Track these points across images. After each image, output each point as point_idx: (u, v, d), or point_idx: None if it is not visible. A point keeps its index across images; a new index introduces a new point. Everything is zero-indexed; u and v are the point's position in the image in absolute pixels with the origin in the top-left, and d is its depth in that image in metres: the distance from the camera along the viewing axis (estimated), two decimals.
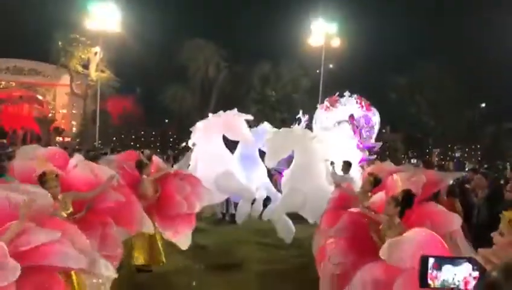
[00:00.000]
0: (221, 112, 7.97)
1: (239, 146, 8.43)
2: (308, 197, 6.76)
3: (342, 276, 3.83)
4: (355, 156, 8.23)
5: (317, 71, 26.51)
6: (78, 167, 4.38)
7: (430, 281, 2.17)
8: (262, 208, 8.36)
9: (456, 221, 3.78)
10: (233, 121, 7.74)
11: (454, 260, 2.21)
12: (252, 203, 8.19)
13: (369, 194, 4.90)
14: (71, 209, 4.01)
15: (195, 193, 5.82)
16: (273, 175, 13.14)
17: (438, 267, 2.20)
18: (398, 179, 4.00)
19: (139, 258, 5.55)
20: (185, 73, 29.46)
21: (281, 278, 5.98)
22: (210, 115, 8.23)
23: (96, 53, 23.47)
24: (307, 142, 7.25)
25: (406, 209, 3.75)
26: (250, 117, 8.08)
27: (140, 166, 5.68)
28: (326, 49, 24.13)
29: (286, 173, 7.77)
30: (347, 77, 22.58)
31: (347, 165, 6.98)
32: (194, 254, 6.51)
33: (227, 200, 9.84)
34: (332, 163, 6.82)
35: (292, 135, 7.45)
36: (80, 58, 23.84)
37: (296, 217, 7.64)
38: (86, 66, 24.16)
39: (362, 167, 8.15)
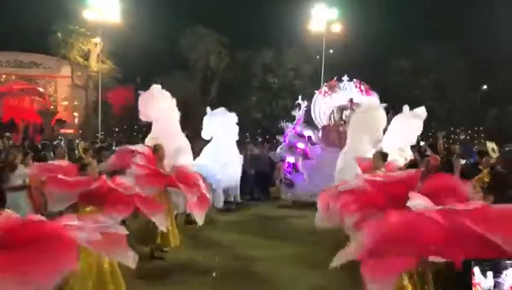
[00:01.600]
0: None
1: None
2: None
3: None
4: None
5: (317, 57, 26.39)
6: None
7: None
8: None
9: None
10: None
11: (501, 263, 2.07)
12: None
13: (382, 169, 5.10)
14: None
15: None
16: (276, 163, 13.13)
17: (483, 272, 2.06)
18: None
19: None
20: (186, 62, 29.35)
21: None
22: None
23: (96, 44, 23.39)
24: None
25: None
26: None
27: (156, 150, 6.24)
28: (327, 35, 23.99)
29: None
30: (349, 62, 22.43)
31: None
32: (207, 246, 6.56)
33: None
34: None
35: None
36: (80, 50, 23.79)
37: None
38: (86, 58, 24.10)
39: None
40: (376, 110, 8.25)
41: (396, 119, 8.75)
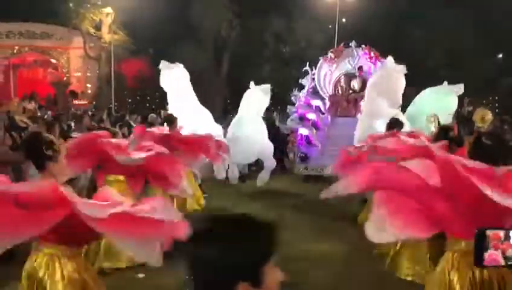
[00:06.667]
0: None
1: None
2: None
3: None
4: None
5: (329, 26, 26.00)
6: None
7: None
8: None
9: None
10: None
11: None
12: None
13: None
14: None
15: None
16: (288, 135, 12.97)
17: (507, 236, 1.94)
18: None
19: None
20: (197, 32, 29.13)
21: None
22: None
23: (107, 14, 23.27)
24: None
25: None
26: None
27: (170, 120, 6.73)
28: (340, 3, 23.58)
29: None
30: (362, 31, 22.05)
31: None
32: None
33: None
34: None
35: None
36: (91, 20, 23.67)
37: None
38: (98, 28, 24.01)
39: None
40: (396, 72, 8.20)
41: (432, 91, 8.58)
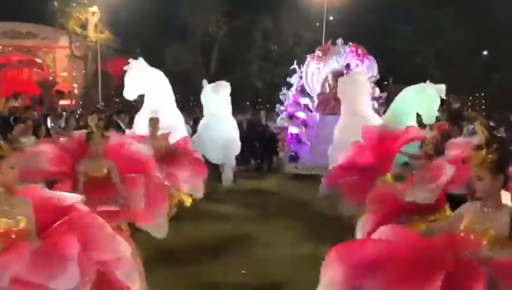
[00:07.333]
0: None
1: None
2: None
3: None
4: None
5: (317, 24, 26.04)
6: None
7: None
8: None
9: None
10: None
11: None
12: None
13: None
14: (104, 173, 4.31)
15: None
16: (278, 134, 12.85)
17: None
18: None
19: None
20: (185, 31, 28.98)
21: None
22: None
23: (93, 13, 23.03)
24: None
25: None
26: None
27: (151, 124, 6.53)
28: (328, 1, 23.61)
29: None
30: (350, 29, 22.08)
31: None
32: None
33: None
34: None
35: None
36: (77, 19, 23.41)
37: None
38: (84, 27, 23.75)
39: None
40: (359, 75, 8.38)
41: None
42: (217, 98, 9.50)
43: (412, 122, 7.21)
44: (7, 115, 10.21)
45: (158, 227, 4.57)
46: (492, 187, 2.30)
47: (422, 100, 7.93)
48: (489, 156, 2.27)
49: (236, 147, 9.81)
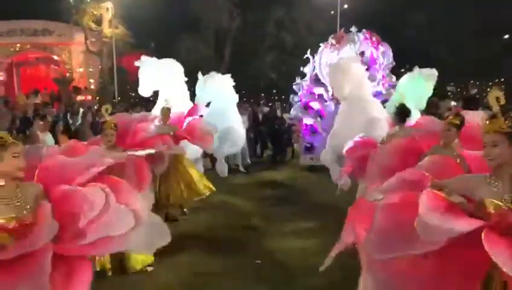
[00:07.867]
0: None
1: None
2: None
3: None
4: None
5: (332, 12, 25.78)
6: None
7: None
8: None
9: None
10: None
11: None
12: None
13: None
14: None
15: None
16: (293, 125, 12.80)
17: None
18: None
19: None
20: (198, 24, 28.99)
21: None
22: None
23: (107, 9, 23.21)
24: None
25: None
26: None
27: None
28: None
29: None
30: (363, 17, 21.84)
31: None
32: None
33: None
34: None
35: None
36: (92, 15, 23.61)
37: None
38: (99, 23, 23.95)
39: None
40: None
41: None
42: (204, 89, 9.20)
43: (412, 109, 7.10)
44: (32, 112, 10.43)
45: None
46: (507, 153, 2.28)
47: (416, 87, 7.92)
48: (506, 121, 2.29)
49: (231, 139, 9.35)
